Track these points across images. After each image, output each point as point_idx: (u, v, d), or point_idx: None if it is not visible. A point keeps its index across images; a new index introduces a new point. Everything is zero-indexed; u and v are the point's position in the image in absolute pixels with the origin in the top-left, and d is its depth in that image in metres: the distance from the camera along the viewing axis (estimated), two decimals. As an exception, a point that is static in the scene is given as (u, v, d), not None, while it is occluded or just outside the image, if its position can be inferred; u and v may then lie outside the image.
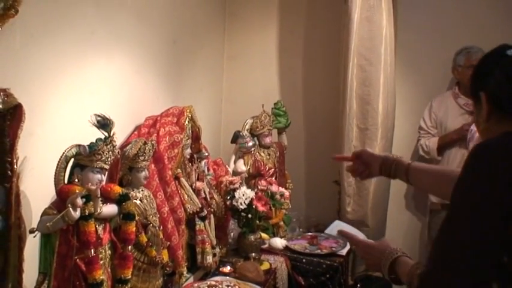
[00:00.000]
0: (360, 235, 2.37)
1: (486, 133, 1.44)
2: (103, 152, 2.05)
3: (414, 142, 4.07)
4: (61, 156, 2.01)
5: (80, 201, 1.89)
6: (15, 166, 1.85)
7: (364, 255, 1.72)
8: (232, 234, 3.41)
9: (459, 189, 1.27)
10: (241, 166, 3.63)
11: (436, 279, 1.24)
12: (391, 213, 4.12)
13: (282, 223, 3.69)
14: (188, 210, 2.80)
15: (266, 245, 3.44)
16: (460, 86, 3.79)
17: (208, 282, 2.69)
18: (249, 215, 3.15)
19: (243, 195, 3.12)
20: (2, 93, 1.79)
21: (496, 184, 1.19)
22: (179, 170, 2.83)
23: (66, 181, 2.04)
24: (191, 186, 2.91)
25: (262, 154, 3.74)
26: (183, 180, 2.83)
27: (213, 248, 2.98)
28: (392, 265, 1.54)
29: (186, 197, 2.82)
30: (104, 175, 2.12)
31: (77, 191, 1.93)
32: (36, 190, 2.07)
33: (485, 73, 1.44)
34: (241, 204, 3.10)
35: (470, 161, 1.27)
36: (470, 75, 1.56)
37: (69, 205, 1.87)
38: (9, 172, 1.85)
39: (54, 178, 2.01)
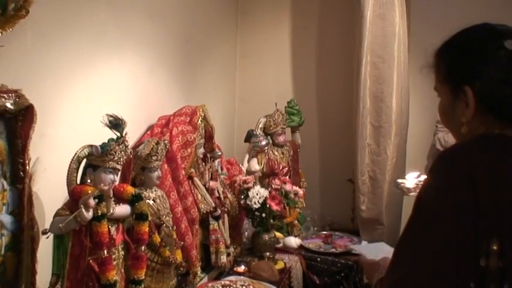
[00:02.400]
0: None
1: (464, 135, 1.23)
2: (115, 152, 2.04)
3: (428, 139, 4.01)
4: (73, 157, 2.00)
5: (92, 201, 1.89)
6: (27, 167, 1.86)
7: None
8: (246, 233, 3.40)
9: (426, 193, 1.17)
10: (255, 165, 3.61)
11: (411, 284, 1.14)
12: (406, 211, 4.07)
13: (296, 222, 3.69)
14: (202, 210, 2.79)
15: (281, 244, 3.43)
16: None
17: (223, 282, 2.67)
18: (263, 214, 3.14)
19: (257, 194, 3.11)
20: (13, 94, 1.79)
21: (463, 193, 1.08)
22: (192, 170, 2.82)
23: (78, 182, 2.03)
24: (204, 185, 2.90)
25: (276, 153, 3.72)
26: (196, 179, 2.82)
27: (227, 247, 2.98)
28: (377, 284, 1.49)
29: (199, 196, 2.81)
30: (117, 175, 2.11)
31: (90, 191, 1.92)
32: (49, 191, 2.07)
33: (472, 64, 1.21)
34: (255, 203, 3.09)
35: (438, 165, 1.17)
36: (441, 57, 1.32)
37: (82, 206, 1.86)
38: (21, 173, 1.86)
39: (67, 179, 2.00)
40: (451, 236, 1.09)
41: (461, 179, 1.10)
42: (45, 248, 1.96)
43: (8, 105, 1.76)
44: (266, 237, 3.23)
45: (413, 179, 2.65)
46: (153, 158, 2.38)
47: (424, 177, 2.71)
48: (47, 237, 1.92)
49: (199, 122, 2.85)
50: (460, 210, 1.09)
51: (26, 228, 1.87)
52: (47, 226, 1.93)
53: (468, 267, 1.08)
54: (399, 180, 2.79)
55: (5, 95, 1.76)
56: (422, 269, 1.11)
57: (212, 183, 2.97)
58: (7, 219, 1.83)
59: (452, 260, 1.09)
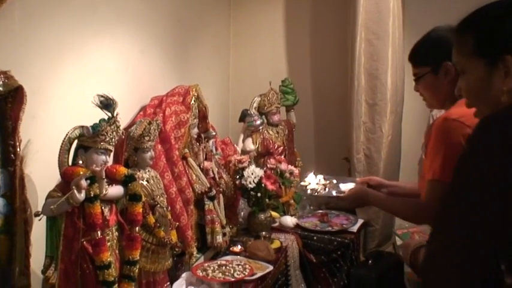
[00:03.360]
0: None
1: (504, 105, 1.24)
2: (107, 133, 2.02)
3: (424, 116, 3.98)
4: (64, 138, 1.98)
5: (84, 183, 1.87)
6: (18, 149, 1.85)
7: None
8: (242, 213, 3.40)
9: (464, 165, 1.18)
10: (250, 145, 3.60)
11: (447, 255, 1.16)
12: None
13: (292, 201, 3.69)
14: (197, 190, 2.78)
15: (277, 224, 3.43)
16: None
17: (219, 262, 2.68)
18: (259, 194, 3.13)
19: (252, 174, 3.10)
20: (2, 76, 1.77)
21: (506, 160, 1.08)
22: (186, 150, 2.80)
23: (70, 163, 2.01)
24: (199, 166, 2.88)
25: (270, 132, 3.71)
26: (190, 160, 2.81)
27: (223, 227, 2.97)
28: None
29: (194, 177, 2.80)
30: (109, 156, 2.10)
31: (81, 172, 1.90)
32: (41, 173, 2.05)
33: (509, 32, 1.23)
34: (250, 183, 3.08)
35: (477, 134, 1.18)
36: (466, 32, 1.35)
37: (74, 187, 1.85)
38: (12, 155, 1.84)
39: (58, 160, 1.98)
40: (491, 210, 1.08)
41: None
42: (38, 230, 1.95)
43: (-3, 86, 1.74)
44: (262, 216, 3.23)
45: (314, 180, 2.69)
46: (145, 138, 2.36)
47: (321, 177, 2.79)
48: (40, 219, 1.91)
49: (193, 101, 2.82)
50: (502, 182, 1.08)
51: (18, 210, 1.85)
52: (40, 208, 1.91)
53: (503, 245, 1.06)
54: (303, 183, 2.82)
55: (-7, 77, 1.74)
56: (459, 241, 1.12)
57: (207, 164, 2.96)
58: (-1, 202, 1.82)
59: (490, 233, 1.08)
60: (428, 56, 2.06)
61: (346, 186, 2.47)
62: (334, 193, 2.42)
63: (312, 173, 2.93)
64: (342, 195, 2.29)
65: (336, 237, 3.31)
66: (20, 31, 2.01)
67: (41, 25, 2.13)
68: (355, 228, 3.45)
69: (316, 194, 2.62)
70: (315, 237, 3.32)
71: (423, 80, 2.07)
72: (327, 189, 2.59)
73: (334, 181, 2.76)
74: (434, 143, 1.91)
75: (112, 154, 2.18)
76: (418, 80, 2.09)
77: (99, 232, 1.96)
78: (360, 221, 3.58)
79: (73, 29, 2.34)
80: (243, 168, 3.14)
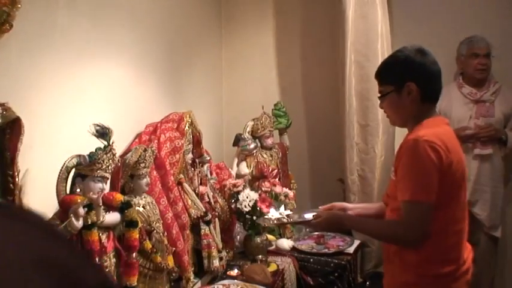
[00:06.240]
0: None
1: None
2: (103, 161, 2.06)
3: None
4: (62, 167, 2.02)
5: (81, 210, 1.91)
6: (16, 179, 1.87)
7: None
8: (238, 237, 3.41)
9: None
10: (244, 168, 3.63)
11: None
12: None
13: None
14: (192, 215, 2.81)
15: (273, 247, 3.44)
16: (464, 75, 3.76)
17: (216, 286, 2.69)
18: (254, 217, 3.15)
19: (247, 197, 3.12)
20: (0, 107, 1.80)
21: None
22: (181, 176, 2.84)
23: (68, 191, 2.04)
24: (194, 190, 2.91)
25: (264, 155, 3.74)
26: (185, 185, 2.84)
27: (219, 251, 2.99)
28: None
29: (189, 202, 2.83)
30: (105, 184, 2.13)
31: (79, 200, 1.94)
32: (40, 202, 2.06)
33: None
34: (245, 206, 3.11)
35: None
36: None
37: (72, 215, 1.88)
38: (11, 185, 1.87)
39: (56, 189, 2.01)
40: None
41: None
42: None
43: (-5, 118, 1.78)
44: (258, 240, 3.25)
45: (276, 213, 2.73)
46: (141, 165, 2.40)
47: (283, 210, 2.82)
48: (39, 248, 1.92)
49: (187, 127, 2.87)
50: None
51: (17, 239, 1.88)
52: (38, 237, 1.93)
53: None
54: (266, 217, 2.84)
55: (-9, 109, 1.78)
56: None
57: (202, 188, 2.99)
58: None
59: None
60: (392, 75, 2.11)
61: (310, 216, 2.44)
62: (307, 217, 2.40)
63: (273, 209, 2.96)
64: (315, 220, 2.26)
65: (332, 259, 3.32)
66: (17, 63, 2.06)
67: (38, 57, 2.18)
68: (351, 250, 3.46)
69: (285, 221, 2.62)
70: (311, 260, 3.33)
71: (387, 98, 2.11)
72: (291, 219, 2.59)
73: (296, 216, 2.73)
74: (407, 163, 1.96)
75: (109, 181, 2.21)
76: (382, 97, 2.14)
77: (97, 259, 1.99)
78: (357, 242, 3.59)
79: (68, 59, 2.39)
80: (238, 192, 3.17)
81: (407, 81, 2.02)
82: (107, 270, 2.06)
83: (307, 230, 3.63)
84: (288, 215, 2.56)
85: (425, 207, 1.92)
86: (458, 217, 2.03)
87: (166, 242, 2.48)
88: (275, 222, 2.53)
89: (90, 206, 1.98)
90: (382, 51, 3.77)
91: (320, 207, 2.47)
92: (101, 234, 2.06)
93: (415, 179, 1.93)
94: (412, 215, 1.94)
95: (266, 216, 2.77)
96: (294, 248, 3.45)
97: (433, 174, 1.90)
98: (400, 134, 3.95)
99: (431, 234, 1.95)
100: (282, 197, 3.47)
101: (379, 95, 2.16)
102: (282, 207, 2.98)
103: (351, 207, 2.38)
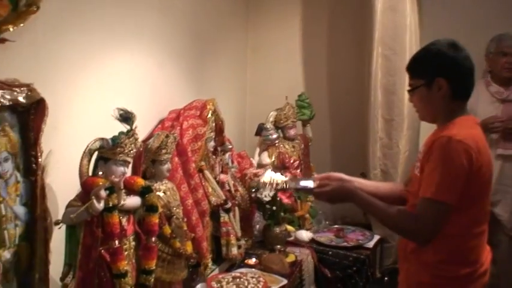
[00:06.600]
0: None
1: None
2: (125, 145, 2.07)
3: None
4: (85, 150, 2.03)
5: (103, 193, 1.92)
6: (39, 159, 1.90)
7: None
8: (257, 226, 3.41)
9: None
10: (266, 158, 3.63)
11: None
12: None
13: (307, 215, 3.69)
14: (212, 202, 2.81)
15: (292, 238, 3.43)
16: (492, 74, 3.69)
17: (233, 274, 2.70)
18: (274, 208, 3.15)
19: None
20: (25, 88, 1.82)
21: None
22: (203, 163, 2.84)
23: (90, 174, 2.06)
24: (215, 178, 2.92)
25: (286, 146, 3.73)
26: (206, 172, 2.85)
27: (238, 240, 2.99)
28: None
29: (210, 189, 2.84)
30: (127, 168, 2.14)
31: (101, 183, 1.95)
32: (62, 183, 2.11)
33: None
34: (265, 196, 3.10)
35: None
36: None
37: (93, 197, 1.90)
38: (34, 165, 1.90)
39: (79, 171, 2.03)
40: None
41: None
42: (58, 238, 2.00)
43: (20, 99, 1.80)
44: (277, 230, 3.25)
45: (274, 175, 2.64)
46: (162, 151, 2.41)
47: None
48: (59, 228, 1.95)
49: (210, 115, 2.87)
50: None
51: (39, 219, 1.90)
52: (60, 217, 1.96)
53: None
54: (265, 179, 2.74)
55: (17, 89, 1.79)
56: None
57: (222, 176, 2.99)
58: (20, 210, 1.87)
59: None
60: (422, 69, 2.05)
61: (306, 182, 2.37)
62: (304, 184, 2.33)
63: (270, 170, 2.90)
64: (318, 189, 2.18)
65: (351, 253, 3.31)
66: (42, 45, 2.08)
67: (63, 40, 2.20)
68: (371, 244, 3.45)
69: (287, 187, 2.55)
70: (330, 252, 3.32)
71: (416, 93, 2.06)
72: (287, 185, 2.51)
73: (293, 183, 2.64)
74: (436, 161, 1.90)
75: (130, 166, 2.23)
76: (412, 91, 2.08)
77: (116, 241, 2.01)
78: (376, 237, 3.57)
79: (93, 43, 2.41)
80: (259, 182, 3.17)
81: (438, 76, 1.97)
82: (126, 253, 2.08)
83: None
84: (284, 181, 2.50)
85: (444, 208, 1.88)
86: (480, 219, 1.99)
87: (185, 227, 2.50)
88: (274, 187, 2.47)
89: (111, 189, 2.00)
90: (410, 44, 3.73)
91: (315, 175, 2.38)
92: (121, 217, 2.07)
93: (442, 178, 1.87)
94: (429, 212, 1.90)
95: (263, 180, 2.72)
96: (312, 240, 3.45)
97: (460, 177, 1.86)
98: (425, 130, 3.89)
99: (451, 236, 1.92)
100: (303, 189, 3.46)
101: (409, 88, 2.11)
102: (278, 173, 2.92)
103: (348, 179, 2.29)
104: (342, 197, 2.15)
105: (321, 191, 2.17)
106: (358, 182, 2.32)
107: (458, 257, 1.97)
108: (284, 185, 2.46)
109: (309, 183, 2.25)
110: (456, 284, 1.98)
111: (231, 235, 2.92)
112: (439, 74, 1.97)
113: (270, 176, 2.62)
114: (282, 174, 2.96)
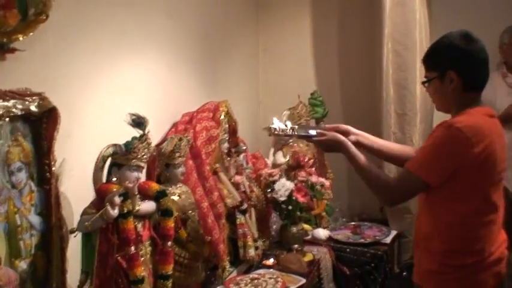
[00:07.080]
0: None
1: None
2: (138, 150, 2.06)
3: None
4: (98, 156, 2.03)
5: (117, 199, 1.92)
6: (53, 168, 1.90)
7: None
8: (274, 226, 3.40)
9: None
10: (280, 158, 3.61)
11: None
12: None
13: (324, 214, 3.67)
14: (228, 204, 2.81)
15: (309, 236, 3.42)
16: (508, 65, 3.65)
17: (251, 276, 2.70)
18: (290, 207, 3.13)
19: (283, 187, 3.10)
20: (37, 97, 1.83)
21: None
22: (217, 165, 2.84)
23: (104, 180, 2.06)
24: (230, 180, 2.91)
25: (300, 145, 3.72)
26: (221, 174, 2.84)
27: (255, 241, 2.98)
28: None
29: (225, 191, 2.83)
30: (141, 173, 2.14)
31: (115, 189, 1.95)
32: (76, 191, 2.11)
33: None
34: (281, 196, 3.09)
35: None
36: None
37: (107, 204, 1.89)
38: (48, 174, 1.91)
39: (93, 178, 2.03)
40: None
41: None
42: (74, 246, 2.00)
43: (32, 108, 1.81)
44: (294, 229, 3.23)
45: (281, 124, 2.61)
46: (176, 154, 2.40)
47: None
48: (75, 236, 1.96)
49: (222, 117, 2.87)
50: None
51: (54, 228, 1.91)
52: (75, 225, 1.96)
53: None
54: (272, 125, 2.70)
55: (29, 98, 1.80)
56: None
57: (237, 178, 2.98)
58: (36, 219, 1.88)
59: None
60: (435, 61, 2.08)
61: (312, 131, 2.38)
62: (311, 132, 2.35)
63: (276, 118, 2.87)
64: (318, 137, 2.26)
65: (369, 249, 3.30)
66: (53, 53, 2.08)
67: (74, 47, 2.20)
68: (388, 240, 3.43)
69: (291, 133, 2.55)
70: (347, 250, 3.32)
71: (431, 85, 2.10)
72: (295, 132, 2.52)
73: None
74: (429, 141, 2.01)
75: (144, 171, 2.23)
76: (426, 83, 2.13)
77: (132, 247, 2.00)
78: (393, 233, 3.56)
79: (104, 49, 2.41)
80: (274, 182, 3.15)
81: (449, 69, 1.99)
82: (142, 258, 2.07)
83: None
84: (292, 128, 2.50)
85: (421, 184, 1.97)
86: (483, 210, 2.00)
87: (201, 231, 2.49)
88: (280, 133, 2.47)
89: (125, 195, 1.99)
90: (421, 39, 3.71)
91: (323, 124, 2.40)
92: (136, 223, 2.07)
93: (427, 157, 1.98)
94: (406, 183, 2.04)
95: (271, 125, 2.70)
96: (330, 238, 3.43)
97: (447, 162, 1.93)
98: (439, 121, 3.88)
99: (453, 225, 1.99)
100: (318, 187, 3.44)
101: (424, 79, 2.14)
102: (288, 122, 2.89)
103: (354, 131, 2.37)
104: (333, 147, 2.25)
105: (318, 139, 2.27)
106: (365, 136, 2.41)
107: (463, 246, 2.01)
108: (291, 131, 2.46)
109: (313, 132, 2.31)
110: (464, 272, 2.01)
111: (248, 236, 2.91)
112: (451, 67, 1.99)
113: (280, 124, 2.62)
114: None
